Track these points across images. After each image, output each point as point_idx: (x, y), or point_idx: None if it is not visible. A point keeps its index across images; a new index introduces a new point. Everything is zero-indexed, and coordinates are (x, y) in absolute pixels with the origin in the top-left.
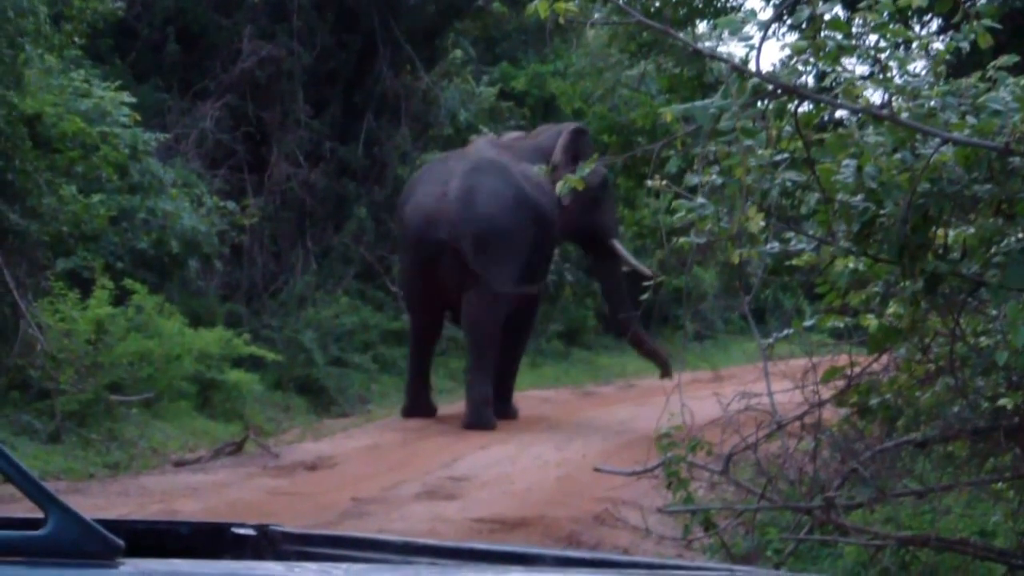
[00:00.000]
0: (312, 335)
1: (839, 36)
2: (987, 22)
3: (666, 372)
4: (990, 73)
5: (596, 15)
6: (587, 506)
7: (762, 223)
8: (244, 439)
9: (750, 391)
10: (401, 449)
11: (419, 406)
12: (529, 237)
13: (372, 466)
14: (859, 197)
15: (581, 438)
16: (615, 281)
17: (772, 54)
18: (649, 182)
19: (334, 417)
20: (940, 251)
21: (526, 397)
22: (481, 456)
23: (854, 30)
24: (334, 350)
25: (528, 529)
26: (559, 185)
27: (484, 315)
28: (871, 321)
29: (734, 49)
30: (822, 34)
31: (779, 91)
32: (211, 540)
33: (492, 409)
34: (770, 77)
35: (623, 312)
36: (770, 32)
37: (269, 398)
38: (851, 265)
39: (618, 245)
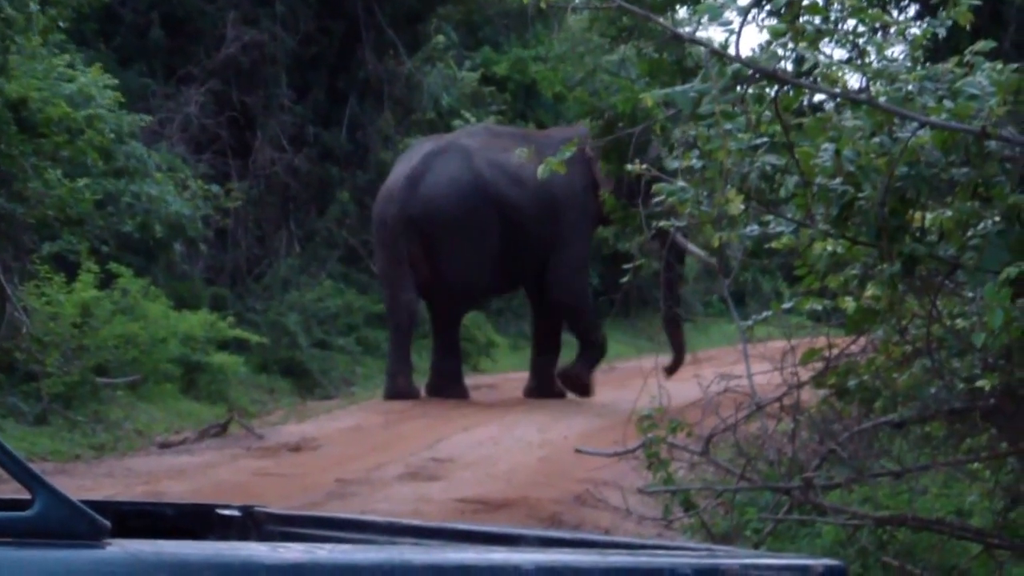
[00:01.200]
0: (296, 318)
1: (817, 21)
2: (967, 1)
3: (673, 368)
4: (967, 58)
5: (577, 0)
6: (569, 487)
7: (742, 206)
8: (229, 421)
9: (729, 373)
10: (384, 431)
11: (400, 388)
12: (489, 225)
13: (356, 447)
14: (837, 180)
15: (563, 420)
16: (672, 272)
17: (752, 39)
18: (630, 166)
19: (318, 399)
20: (917, 234)
21: (508, 380)
22: (464, 438)
23: (832, 15)
24: (318, 333)
25: (511, 510)
26: (540, 169)
27: (439, 297)
28: (849, 303)
29: (714, 34)
30: (801, 19)
31: (758, 76)
32: (197, 521)
33: (456, 381)
34: (750, 62)
35: (671, 302)
36: (749, 17)
37: (253, 380)
38: (829, 248)
39: (679, 235)
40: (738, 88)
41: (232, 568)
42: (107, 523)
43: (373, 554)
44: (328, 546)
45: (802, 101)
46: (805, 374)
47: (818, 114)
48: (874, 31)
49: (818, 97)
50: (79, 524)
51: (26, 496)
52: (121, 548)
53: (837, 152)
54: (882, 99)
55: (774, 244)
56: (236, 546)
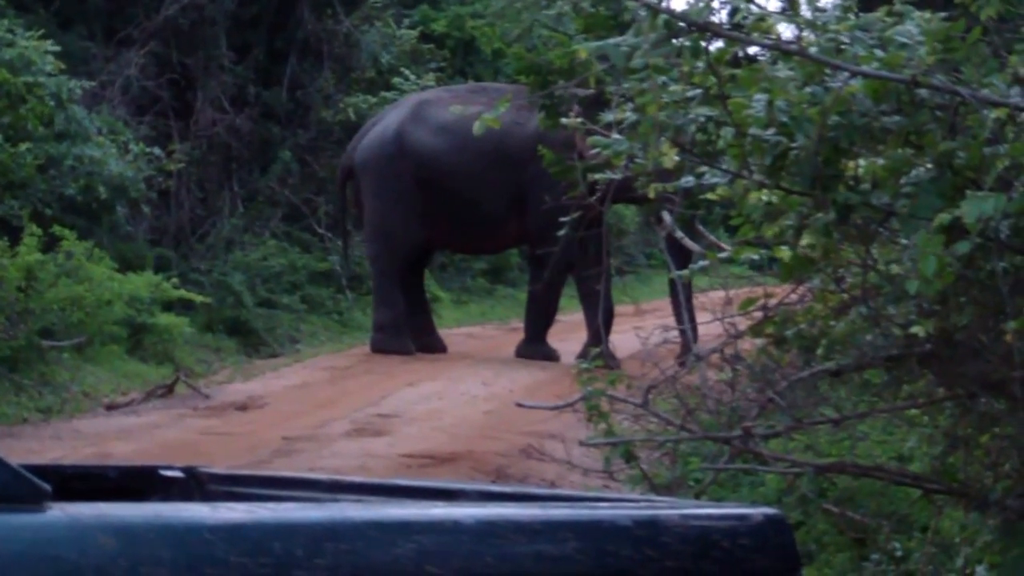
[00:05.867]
0: (240, 277)
1: None
2: None
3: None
4: (896, 7)
5: None
6: (514, 440)
7: (676, 158)
8: (175, 381)
9: (670, 324)
10: (330, 387)
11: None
12: (404, 175)
13: (302, 405)
14: (771, 131)
15: (507, 373)
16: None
17: None
18: (565, 120)
19: (264, 357)
20: (851, 182)
21: (452, 334)
22: (409, 393)
23: None
24: (262, 292)
25: (457, 464)
26: (475, 126)
27: (367, 247)
28: (785, 252)
29: None
30: None
31: (691, 28)
32: (139, 483)
33: (393, 335)
34: (681, 15)
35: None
36: None
37: (199, 340)
38: (764, 197)
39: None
40: (672, 41)
41: (174, 529)
42: (47, 487)
43: (315, 511)
44: (270, 505)
45: (736, 53)
46: (744, 324)
47: (752, 66)
48: None
49: (752, 49)
50: (18, 488)
51: None
52: (62, 511)
53: (770, 103)
54: (813, 49)
55: (710, 195)
56: (178, 507)
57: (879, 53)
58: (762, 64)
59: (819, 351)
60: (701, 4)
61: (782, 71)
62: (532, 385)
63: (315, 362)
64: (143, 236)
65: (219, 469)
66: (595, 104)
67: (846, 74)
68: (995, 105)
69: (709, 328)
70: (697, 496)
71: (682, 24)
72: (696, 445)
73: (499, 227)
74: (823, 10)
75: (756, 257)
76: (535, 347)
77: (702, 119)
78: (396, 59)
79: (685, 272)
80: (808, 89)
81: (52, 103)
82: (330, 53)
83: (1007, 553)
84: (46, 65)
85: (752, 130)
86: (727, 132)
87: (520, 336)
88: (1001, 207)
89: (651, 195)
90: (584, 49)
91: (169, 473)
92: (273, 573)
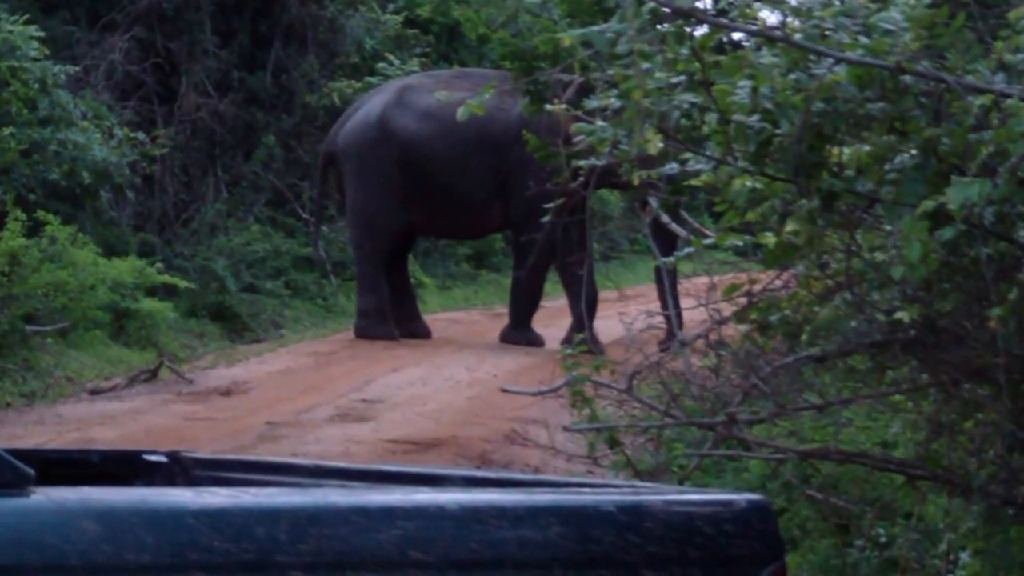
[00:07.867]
0: (224, 262)
1: None
2: None
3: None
4: None
5: None
6: (498, 425)
7: (660, 144)
8: (159, 366)
9: (653, 310)
10: (314, 373)
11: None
12: (387, 160)
13: (285, 390)
14: (755, 117)
15: (491, 359)
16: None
17: None
18: (549, 106)
19: (247, 343)
20: (835, 169)
21: (437, 319)
22: (393, 378)
23: None
24: (246, 277)
25: (441, 449)
26: (459, 111)
27: (350, 233)
28: (769, 239)
29: None
30: None
31: (676, 14)
32: (123, 467)
33: (377, 320)
34: (666, 1)
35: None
36: None
37: (183, 325)
38: (749, 184)
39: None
40: (657, 27)
41: (157, 513)
42: (31, 471)
43: (298, 497)
44: (253, 490)
45: (720, 39)
46: (728, 310)
47: (737, 52)
48: None
49: (737, 35)
50: (2, 473)
51: None
52: (45, 496)
53: (754, 89)
54: (798, 36)
55: (694, 181)
56: (161, 491)
57: (864, 40)
58: (746, 51)
59: (803, 337)
60: None
61: (766, 58)
62: (516, 370)
63: (299, 347)
64: (127, 221)
65: (203, 454)
66: (580, 90)
67: (831, 61)
68: (980, 91)
69: (693, 314)
70: (681, 482)
71: (667, 10)
72: (680, 431)
73: (483, 212)
74: None
75: (740, 243)
76: (519, 332)
77: (686, 105)
78: (380, 44)
79: (670, 259)
80: (792, 76)
81: (36, 88)
82: (314, 38)
83: (991, 539)
84: (30, 50)
85: (736, 117)
86: (711, 118)
87: (504, 321)
88: (986, 193)
89: (635, 181)
90: (569, 35)
91: (153, 458)
92: (256, 558)
